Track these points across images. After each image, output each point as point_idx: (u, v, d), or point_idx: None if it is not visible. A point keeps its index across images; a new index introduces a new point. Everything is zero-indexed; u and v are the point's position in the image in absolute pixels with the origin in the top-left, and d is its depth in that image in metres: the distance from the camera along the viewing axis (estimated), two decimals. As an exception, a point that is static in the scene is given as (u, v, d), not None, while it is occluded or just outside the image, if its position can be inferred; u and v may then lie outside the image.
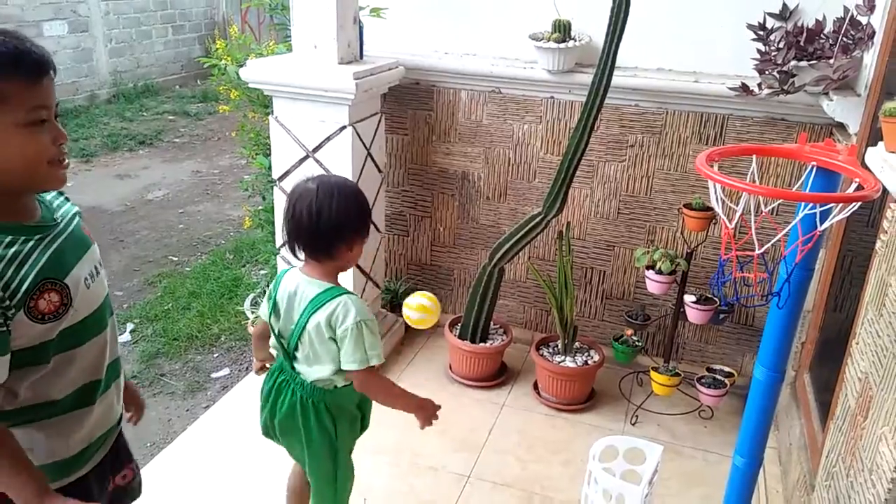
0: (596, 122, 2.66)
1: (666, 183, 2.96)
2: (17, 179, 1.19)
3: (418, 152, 3.25)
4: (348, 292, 1.73)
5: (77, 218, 1.36)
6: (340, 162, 2.73)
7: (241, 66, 2.86)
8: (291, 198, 1.70)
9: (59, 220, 1.30)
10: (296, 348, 1.75)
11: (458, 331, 3.06)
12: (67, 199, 1.39)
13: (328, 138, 2.71)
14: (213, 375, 3.39)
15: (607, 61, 2.56)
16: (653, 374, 2.82)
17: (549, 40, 2.79)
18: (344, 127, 2.69)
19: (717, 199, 1.47)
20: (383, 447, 2.66)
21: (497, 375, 3.09)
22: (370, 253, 3.03)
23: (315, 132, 2.72)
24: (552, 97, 2.99)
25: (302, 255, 1.75)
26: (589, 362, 2.93)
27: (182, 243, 4.92)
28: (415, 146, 3.24)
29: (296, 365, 1.77)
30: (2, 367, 1.17)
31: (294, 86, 2.67)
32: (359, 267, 2.92)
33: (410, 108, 3.18)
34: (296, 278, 1.77)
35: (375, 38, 3.04)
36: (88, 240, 1.36)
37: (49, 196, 1.34)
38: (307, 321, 1.69)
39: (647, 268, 2.80)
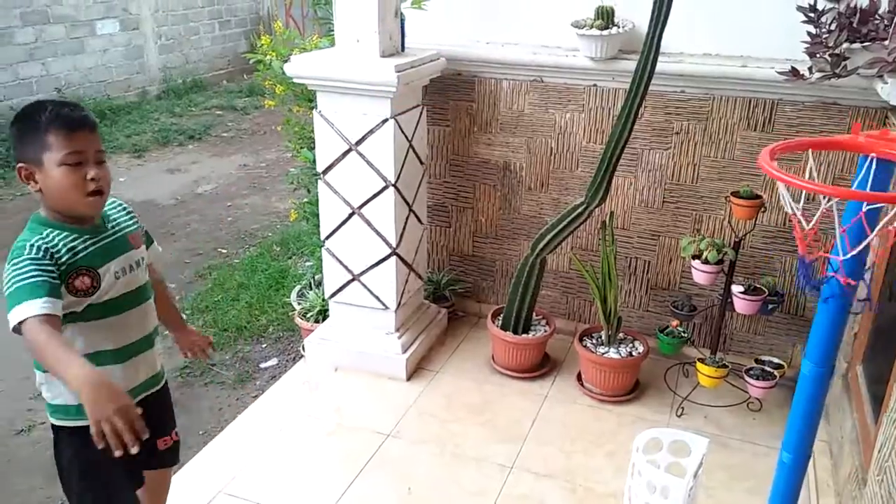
0: (640, 109, 2.63)
1: (713, 170, 2.90)
2: (60, 202, 1.62)
3: (460, 143, 3.25)
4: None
5: (128, 230, 1.77)
6: (383, 154, 2.75)
7: (286, 61, 2.90)
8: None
9: (109, 229, 1.73)
10: None
11: (500, 322, 3.06)
12: (131, 216, 1.82)
13: (370, 131, 2.73)
14: (262, 365, 3.46)
15: (651, 47, 2.52)
16: (699, 365, 2.78)
17: (591, 27, 2.76)
18: (386, 120, 2.71)
19: (788, 202, 1.38)
20: (426, 437, 2.69)
21: (540, 366, 3.09)
22: (413, 244, 3.05)
23: (358, 125, 2.75)
24: (595, 85, 2.95)
25: None
26: (633, 353, 2.90)
27: (231, 236, 5.03)
28: (456, 137, 3.24)
29: None
30: (56, 306, 1.52)
31: (337, 80, 2.70)
32: (401, 258, 2.95)
33: (452, 99, 3.18)
34: None
35: (417, 30, 3.05)
36: (129, 245, 1.75)
37: (114, 212, 1.78)
38: None
39: (693, 257, 2.75)
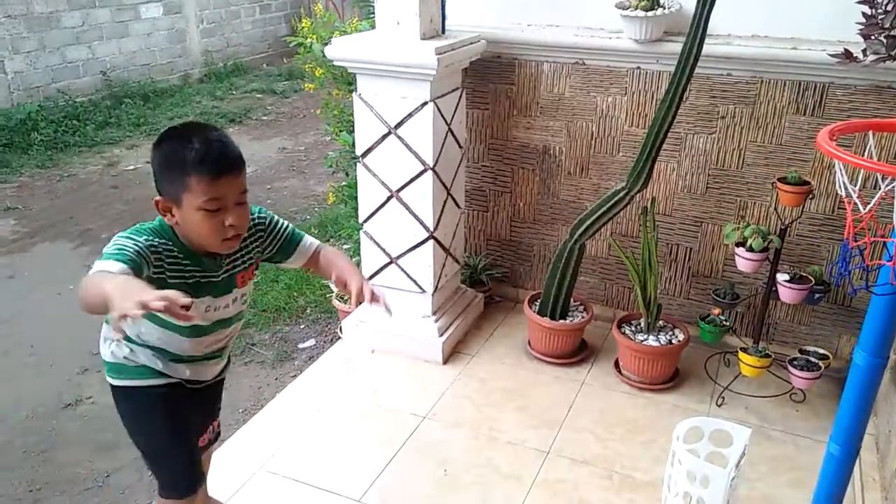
0: (685, 92, 2.56)
1: (759, 156, 2.83)
2: (193, 239, 1.60)
3: (499, 127, 3.22)
4: None
5: (241, 268, 1.73)
6: (421, 138, 2.74)
7: (326, 44, 2.90)
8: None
9: (223, 266, 1.68)
10: None
11: (537, 307, 3.04)
12: (259, 239, 1.76)
13: (410, 114, 2.73)
14: (300, 346, 3.51)
15: (698, 29, 2.46)
16: (741, 354, 2.73)
17: (636, 8, 2.70)
18: (425, 103, 2.69)
19: (843, 184, 1.34)
20: (462, 420, 2.69)
21: (577, 352, 3.06)
22: (450, 228, 3.04)
23: (397, 108, 2.74)
24: (638, 68, 2.89)
25: None
26: (673, 341, 2.86)
27: (270, 218, 5.08)
28: (495, 121, 3.22)
29: None
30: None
31: (377, 62, 2.69)
32: (438, 242, 2.94)
33: (492, 82, 3.15)
34: None
35: (458, 12, 3.03)
36: (233, 285, 1.72)
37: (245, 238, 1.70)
38: None
39: (737, 245, 2.69)
